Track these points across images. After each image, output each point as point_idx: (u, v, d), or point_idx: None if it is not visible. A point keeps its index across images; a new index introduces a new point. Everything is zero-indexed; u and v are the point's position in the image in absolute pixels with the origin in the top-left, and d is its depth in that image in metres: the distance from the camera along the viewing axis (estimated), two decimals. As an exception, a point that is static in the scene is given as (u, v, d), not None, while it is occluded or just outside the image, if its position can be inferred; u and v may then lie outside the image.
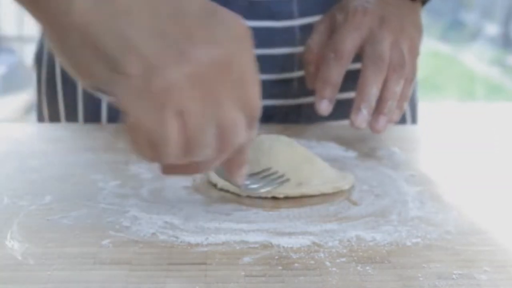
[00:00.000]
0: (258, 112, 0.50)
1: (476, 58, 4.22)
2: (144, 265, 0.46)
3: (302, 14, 0.78)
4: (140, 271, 0.45)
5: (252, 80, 0.47)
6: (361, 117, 0.66)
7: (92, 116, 0.80)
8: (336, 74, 0.68)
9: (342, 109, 0.72)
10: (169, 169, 0.50)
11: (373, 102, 0.66)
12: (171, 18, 0.43)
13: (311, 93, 0.72)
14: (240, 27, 0.45)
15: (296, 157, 0.61)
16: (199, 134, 0.45)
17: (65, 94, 0.83)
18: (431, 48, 4.21)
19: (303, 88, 0.76)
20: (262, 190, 0.57)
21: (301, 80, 0.76)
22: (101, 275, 0.45)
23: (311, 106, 0.71)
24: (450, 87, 3.89)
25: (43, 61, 0.86)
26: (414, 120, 0.87)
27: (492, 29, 4.45)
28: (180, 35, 0.43)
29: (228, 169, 0.52)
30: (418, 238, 0.51)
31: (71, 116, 0.82)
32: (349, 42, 0.68)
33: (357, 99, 0.66)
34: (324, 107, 0.68)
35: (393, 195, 0.60)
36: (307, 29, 0.75)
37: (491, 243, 0.51)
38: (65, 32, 0.43)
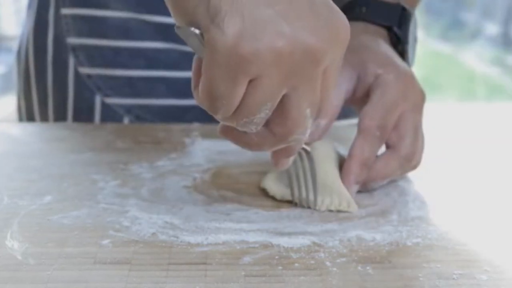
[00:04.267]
0: (327, 115, 0.51)
1: (476, 58, 4.21)
2: (144, 265, 0.46)
3: None
4: (140, 271, 0.45)
5: (332, 83, 0.47)
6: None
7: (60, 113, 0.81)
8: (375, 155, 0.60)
9: (343, 109, 0.72)
10: (225, 131, 0.51)
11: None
12: None
13: None
14: (344, 29, 0.46)
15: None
16: (256, 108, 0.45)
17: (38, 90, 0.83)
18: (431, 48, 4.21)
19: None
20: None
21: None
22: (101, 275, 0.45)
23: None
24: (450, 87, 3.88)
25: (21, 56, 0.86)
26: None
27: (492, 29, 4.45)
28: (287, 11, 0.43)
29: (274, 154, 0.52)
30: (418, 238, 0.51)
31: (43, 113, 0.83)
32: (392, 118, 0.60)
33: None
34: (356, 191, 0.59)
35: (393, 195, 0.60)
36: None
37: (491, 243, 0.51)
38: None
